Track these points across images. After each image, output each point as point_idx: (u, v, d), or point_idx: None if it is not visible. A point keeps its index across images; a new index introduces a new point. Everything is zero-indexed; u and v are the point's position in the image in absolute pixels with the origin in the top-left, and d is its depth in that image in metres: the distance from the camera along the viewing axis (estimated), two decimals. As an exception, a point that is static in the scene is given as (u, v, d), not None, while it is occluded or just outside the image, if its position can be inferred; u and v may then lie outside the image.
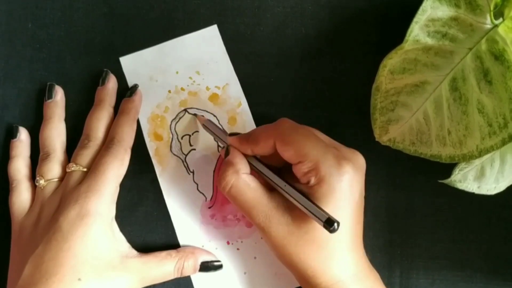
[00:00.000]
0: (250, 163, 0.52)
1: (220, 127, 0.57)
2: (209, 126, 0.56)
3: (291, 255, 0.49)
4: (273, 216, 0.49)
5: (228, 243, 0.57)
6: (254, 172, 0.52)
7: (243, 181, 0.50)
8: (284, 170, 0.52)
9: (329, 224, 0.44)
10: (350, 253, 0.49)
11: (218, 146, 0.58)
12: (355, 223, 0.49)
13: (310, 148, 0.48)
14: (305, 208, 0.46)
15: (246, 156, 0.52)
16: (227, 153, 0.52)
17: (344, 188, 0.48)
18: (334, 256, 0.48)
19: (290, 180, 0.50)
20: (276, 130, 0.50)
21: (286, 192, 0.49)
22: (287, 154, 0.49)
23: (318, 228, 0.47)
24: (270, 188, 0.51)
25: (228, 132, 0.55)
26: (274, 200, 0.50)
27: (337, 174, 0.47)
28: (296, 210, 0.48)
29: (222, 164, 0.52)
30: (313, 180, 0.48)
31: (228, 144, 0.53)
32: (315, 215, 0.45)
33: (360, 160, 0.50)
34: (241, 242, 0.57)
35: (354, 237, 0.49)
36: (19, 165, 0.56)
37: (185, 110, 0.58)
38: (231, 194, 0.50)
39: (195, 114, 0.58)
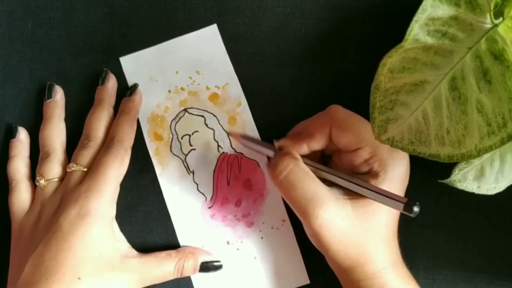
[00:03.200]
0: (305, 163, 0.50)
1: (260, 140, 0.56)
2: (248, 138, 0.55)
3: (348, 247, 0.48)
4: (334, 209, 0.47)
5: (228, 243, 0.57)
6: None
7: (302, 168, 0.49)
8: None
9: (410, 206, 0.43)
10: (393, 240, 0.50)
11: (218, 146, 0.58)
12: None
13: (369, 133, 0.48)
14: (382, 195, 0.46)
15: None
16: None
17: (404, 173, 0.48)
18: (384, 243, 0.49)
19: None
20: (330, 117, 0.50)
21: (353, 183, 0.47)
22: (345, 140, 0.49)
23: (376, 215, 0.48)
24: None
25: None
26: (333, 191, 0.49)
27: (398, 158, 0.48)
28: (356, 200, 0.48)
29: (275, 158, 0.51)
30: (376, 166, 0.48)
31: (276, 151, 0.52)
32: (395, 200, 0.45)
33: None
34: (241, 242, 0.57)
35: (396, 224, 0.50)
36: (18, 165, 0.56)
37: (185, 110, 0.58)
38: (288, 180, 0.49)
39: (229, 133, 0.57)
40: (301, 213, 0.49)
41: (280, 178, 0.49)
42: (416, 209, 0.44)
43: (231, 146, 0.58)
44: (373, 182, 0.48)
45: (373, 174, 0.48)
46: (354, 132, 0.48)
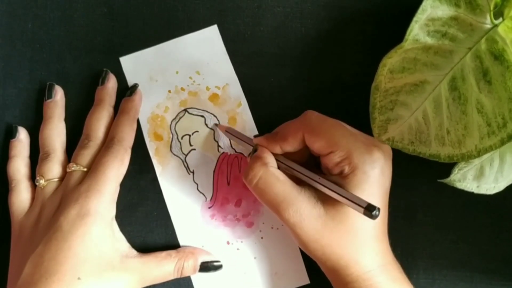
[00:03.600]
0: (278, 160, 0.52)
1: (242, 132, 0.57)
2: (232, 132, 0.56)
3: (324, 247, 0.49)
4: (304, 209, 0.49)
5: (228, 243, 0.57)
6: (283, 169, 0.51)
7: (271, 173, 0.50)
8: (308, 166, 0.52)
9: (370, 210, 0.44)
10: (380, 242, 0.49)
11: (218, 146, 0.58)
12: (383, 211, 0.49)
13: (340, 137, 0.48)
14: (343, 197, 0.46)
15: (273, 154, 0.52)
16: (253, 153, 0.53)
17: (378, 175, 0.48)
18: (366, 245, 0.49)
19: (317, 174, 0.50)
20: (304, 122, 0.51)
21: (321, 184, 0.48)
22: (317, 145, 0.49)
23: (352, 218, 0.48)
24: (297, 183, 0.50)
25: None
26: (304, 193, 0.49)
27: (370, 161, 0.48)
28: (329, 202, 0.48)
29: (249, 160, 0.52)
30: (347, 169, 0.48)
31: (254, 146, 0.53)
32: (355, 203, 0.45)
33: (387, 147, 0.50)
34: (241, 242, 0.57)
35: (382, 225, 0.50)
36: (18, 165, 0.56)
37: (185, 110, 0.58)
38: (258, 187, 0.50)
39: (216, 124, 0.58)
40: (276, 215, 0.50)
41: (252, 185, 0.50)
42: (375, 212, 0.44)
43: (231, 146, 0.58)
44: (343, 183, 0.48)
45: (343, 176, 0.49)
46: (326, 138, 0.49)
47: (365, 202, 0.45)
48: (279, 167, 0.51)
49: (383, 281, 0.48)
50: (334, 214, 0.48)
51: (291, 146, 0.51)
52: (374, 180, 0.48)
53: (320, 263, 0.51)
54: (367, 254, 0.49)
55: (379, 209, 0.45)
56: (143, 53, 0.58)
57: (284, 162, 0.51)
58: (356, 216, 0.47)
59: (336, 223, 0.48)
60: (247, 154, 0.56)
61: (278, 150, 0.52)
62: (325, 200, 0.49)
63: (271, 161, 0.51)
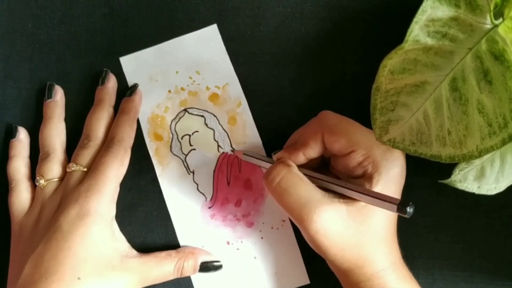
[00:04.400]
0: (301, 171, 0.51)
1: (260, 154, 0.57)
2: (249, 154, 0.55)
3: (345, 250, 0.48)
4: (328, 213, 0.47)
5: (228, 243, 0.57)
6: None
7: (295, 174, 0.49)
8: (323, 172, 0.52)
9: (403, 207, 0.43)
10: (392, 241, 0.50)
11: (218, 146, 0.58)
12: None
13: (361, 135, 0.48)
14: (374, 197, 0.46)
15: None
16: None
17: (399, 173, 0.48)
18: (382, 244, 0.49)
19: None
20: (321, 123, 0.50)
21: (349, 189, 0.47)
22: (338, 144, 0.49)
23: (371, 217, 0.48)
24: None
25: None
26: (327, 195, 0.48)
27: (392, 159, 0.48)
28: (350, 203, 0.48)
29: (268, 168, 0.51)
30: (370, 168, 0.48)
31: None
32: (387, 201, 0.45)
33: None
34: (241, 242, 0.57)
35: (395, 224, 0.50)
36: (18, 165, 0.56)
37: (185, 110, 0.58)
38: (280, 186, 0.49)
39: (232, 151, 0.57)
40: (296, 219, 0.49)
41: (274, 185, 0.49)
42: (409, 209, 0.43)
43: (231, 146, 0.58)
44: (368, 184, 0.48)
45: (367, 176, 0.48)
46: (346, 136, 0.49)
47: (397, 199, 0.44)
48: None
49: (393, 280, 0.48)
50: (357, 216, 0.48)
51: (313, 150, 0.51)
52: (395, 179, 0.48)
53: (335, 266, 0.50)
54: (382, 253, 0.49)
55: (412, 204, 0.44)
56: (143, 53, 0.58)
57: (307, 173, 0.50)
58: (375, 216, 0.47)
59: (358, 225, 0.48)
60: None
61: (302, 158, 0.51)
62: (347, 203, 0.48)
63: (294, 166, 0.50)
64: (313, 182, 0.50)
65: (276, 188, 0.49)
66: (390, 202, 0.45)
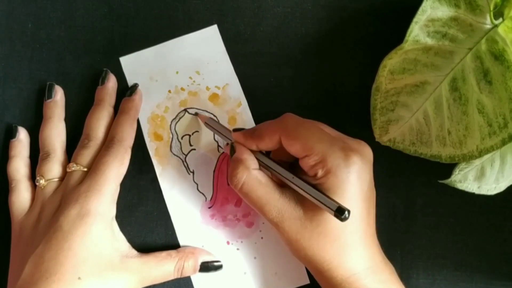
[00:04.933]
0: (257, 159, 0.52)
1: (222, 124, 0.57)
2: (211, 123, 0.56)
3: (306, 249, 0.49)
4: (285, 210, 0.49)
5: (228, 243, 0.57)
6: (262, 167, 0.52)
7: (254, 177, 0.50)
8: (294, 164, 0.52)
9: (340, 213, 0.44)
10: (364, 245, 0.49)
11: (218, 146, 0.58)
12: (366, 214, 0.49)
13: (316, 141, 0.48)
14: (314, 198, 0.47)
15: (253, 151, 0.52)
16: (232, 150, 0.53)
17: (352, 179, 0.48)
18: (347, 248, 0.49)
19: (300, 174, 0.50)
20: (281, 125, 0.51)
21: (294, 184, 0.49)
22: (293, 148, 0.49)
23: (330, 220, 0.48)
24: (280, 183, 0.51)
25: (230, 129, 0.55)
26: (285, 194, 0.50)
27: (344, 165, 0.48)
28: (308, 203, 0.49)
29: (230, 162, 0.52)
30: (320, 172, 0.48)
31: (232, 141, 0.53)
32: (325, 205, 0.46)
33: (367, 151, 0.50)
34: (241, 242, 0.57)
35: (366, 228, 0.49)
36: (18, 165, 0.56)
37: (185, 110, 0.58)
38: (243, 191, 0.50)
39: (196, 113, 0.58)
40: (262, 216, 0.51)
41: (237, 189, 0.51)
42: (345, 215, 0.44)
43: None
44: (318, 186, 0.48)
45: (317, 179, 0.48)
46: (301, 142, 0.49)
47: (335, 204, 0.45)
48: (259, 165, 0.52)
49: (369, 284, 0.48)
50: (312, 216, 0.48)
51: (266, 146, 0.51)
52: (348, 184, 0.48)
53: (304, 264, 0.52)
54: (350, 258, 0.49)
55: (349, 211, 0.45)
56: (143, 53, 0.58)
57: (262, 160, 0.52)
58: (335, 220, 0.47)
59: (315, 226, 0.48)
60: (225, 144, 0.57)
61: (254, 147, 0.52)
62: (304, 202, 0.49)
63: (252, 163, 0.51)
64: (268, 171, 0.52)
65: (240, 192, 0.51)
66: (327, 206, 0.46)
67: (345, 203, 0.46)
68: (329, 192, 0.47)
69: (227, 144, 0.54)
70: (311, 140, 0.49)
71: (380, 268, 0.49)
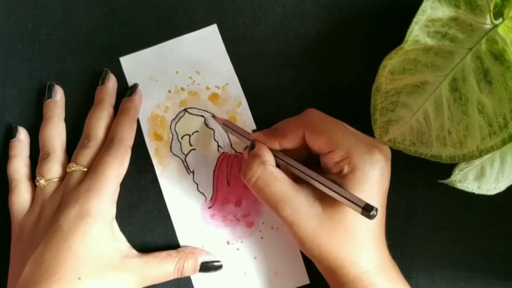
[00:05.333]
0: (276, 157, 0.52)
1: (239, 126, 0.57)
2: (229, 125, 0.56)
3: (321, 246, 0.49)
4: (302, 208, 0.49)
5: (228, 243, 0.57)
6: (282, 166, 0.51)
7: (270, 172, 0.50)
8: (308, 164, 0.52)
9: (368, 210, 0.44)
10: (376, 243, 0.49)
11: (218, 146, 0.58)
12: (382, 212, 0.49)
13: (341, 137, 0.48)
14: (342, 196, 0.46)
15: (273, 151, 0.52)
16: (252, 148, 0.52)
17: (377, 176, 0.48)
18: (363, 245, 0.49)
19: (318, 172, 0.50)
20: (305, 120, 0.51)
21: (319, 182, 0.48)
22: (318, 143, 0.49)
23: (349, 217, 0.48)
24: (296, 180, 0.51)
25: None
26: (302, 191, 0.49)
27: (370, 162, 0.48)
28: (327, 201, 0.48)
29: (247, 158, 0.52)
30: (346, 169, 0.48)
31: (252, 141, 0.53)
32: (353, 202, 0.45)
33: (387, 149, 0.50)
34: (241, 242, 0.57)
35: (380, 226, 0.50)
36: (18, 165, 0.56)
37: (185, 110, 0.58)
38: (257, 186, 0.50)
39: (213, 116, 0.58)
40: (275, 213, 0.50)
41: (250, 184, 0.50)
42: (373, 213, 0.44)
43: (231, 146, 0.58)
44: (342, 183, 0.48)
45: (342, 175, 0.48)
46: (326, 137, 0.49)
47: (363, 201, 0.45)
48: (277, 164, 0.52)
49: (378, 282, 0.48)
50: (332, 213, 0.48)
51: (290, 143, 0.51)
52: (373, 181, 0.48)
53: (316, 262, 0.51)
54: (364, 255, 0.49)
55: (377, 209, 0.45)
56: (143, 53, 0.58)
57: (282, 158, 0.51)
58: (354, 217, 0.47)
59: (334, 223, 0.48)
60: (244, 148, 0.56)
61: (276, 146, 0.52)
62: (323, 199, 0.49)
63: (270, 159, 0.51)
64: (289, 170, 0.51)
65: (253, 187, 0.50)
66: (355, 203, 0.45)
67: (367, 200, 0.46)
68: (352, 188, 0.47)
69: (246, 147, 0.54)
70: (337, 135, 0.48)
71: (389, 266, 0.50)
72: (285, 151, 0.52)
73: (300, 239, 0.49)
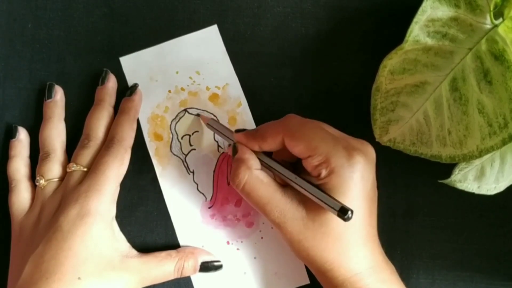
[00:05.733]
0: (259, 159, 0.52)
1: (224, 125, 0.57)
2: (213, 124, 0.56)
3: (308, 249, 0.49)
4: (287, 211, 0.49)
5: (228, 243, 0.57)
6: (264, 167, 0.52)
7: (256, 177, 0.50)
8: (297, 164, 0.52)
9: (343, 213, 0.44)
10: (366, 245, 0.49)
11: (218, 146, 0.58)
12: (368, 214, 0.49)
13: (319, 142, 0.48)
14: (318, 198, 0.47)
15: (255, 152, 0.52)
16: (234, 150, 0.53)
17: (356, 178, 0.48)
18: (350, 248, 0.49)
19: (303, 174, 0.50)
20: (284, 126, 0.51)
21: (297, 184, 0.49)
22: (297, 149, 0.49)
23: (333, 220, 0.48)
24: (282, 183, 0.51)
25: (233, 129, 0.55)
26: (287, 195, 0.50)
27: (348, 165, 0.47)
28: (310, 204, 0.49)
29: (232, 162, 0.52)
30: (324, 172, 0.48)
31: (234, 141, 0.53)
32: (328, 205, 0.46)
33: (370, 151, 0.50)
34: (241, 242, 0.57)
35: (368, 228, 0.49)
36: (18, 165, 0.56)
37: (185, 110, 0.58)
38: (245, 191, 0.50)
39: (198, 114, 0.58)
40: (264, 216, 0.51)
41: (239, 189, 0.51)
42: (348, 215, 0.44)
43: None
44: (322, 187, 0.48)
45: (320, 179, 0.48)
46: (305, 142, 0.49)
47: (338, 204, 0.45)
48: (261, 165, 0.52)
49: (371, 283, 0.48)
50: (315, 216, 0.48)
51: (269, 146, 0.51)
52: (352, 184, 0.48)
53: (306, 265, 0.52)
54: (352, 258, 0.49)
55: (352, 211, 0.45)
56: (143, 53, 0.58)
57: (264, 160, 0.52)
58: (338, 220, 0.47)
59: (318, 226, 0.48)
60: (228, 145, 0.57)
61: (256, 148, 0.52)
62: (306, 202, 0.49)
63: (254, 163, 0.51)
64: (271, 171, 0.52)
65: (241, 192, 0.51)
66: (330, 206, 0.46)
67: (348, 203, 0.46)
68: (332, 192, 0.47)
69: (229, 145, 0.54)
70: (315, 140, 0.48)
71: (382, 268, 0.50)
72: (275, 151, 0.53)
73: (288, 241, 0.50)
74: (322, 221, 0.48)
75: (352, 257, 0.48)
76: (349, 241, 0.48)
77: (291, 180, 0.49)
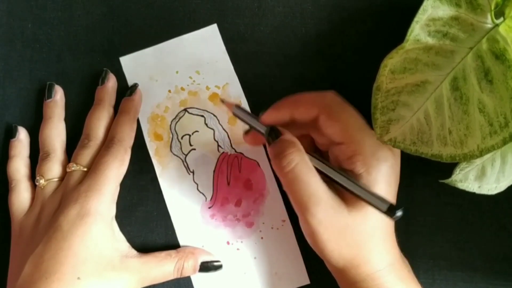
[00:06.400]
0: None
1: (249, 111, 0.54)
2: (238, 112, 0.52)
3: (343, 247, 0.48)
4: (330, 208, 0.47)
5: (228, 243, 0.57)
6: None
7: (307, 162, 0.47)
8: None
9: (391, 211, 0.44)
10: (390, 242, 0.49)
11: (218, 146, 0.58)
12: None
13: (356, 130, 0.48)
14: (367, 195, 0.46)
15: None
16: (273, 133, 0.49)
17: (391, 174, 0.48)
18: (379, 244, 0.49)
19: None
20: (323, 101, 0.49)
21: (349, 180, 0.47)
22: (331, 130, 0.48)
23: (370, 218, 0.48)
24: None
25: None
26: (329, 191, 0.48)
27: (383, 159, 0.47)
28: (350, 201, 0.48)
29: (276, 144, 0.48)
30: (359, 166, 0.47)
31: (269, 126, 0.50)
32: (376, 203, 0.45)
33: (395, 150, 0.50)
34: (241, 242, 0.57)
35: (392, 224, 0.50)
36: (18, 165, 0.56)
37: (185, 110, 0.58)
38: (294, 173, 0.47)
39: (222, 100, 0.55)
40: (299, 207, 0.48)
41: (286, 170, 0.47)
42: (398, 213, 0.44)
43: (231, 146, 0.58)
44: (357, 180, 0.48)
45: (356, 174, 0.48)
46: (341, 126, 0.48)
47: (388, 202, 0.45)
48: None
49: (391, 281, 0.48)
50: (356, 215, 0.48)
51: (300, 115, 0.49)
52: (388, 180, 0.48)
53: (331, 264, 0.50)
54: (379, 254, 0.49)
55: (402, 209, 0.44)
56: (143, 53, 0.58)
57: (311, 154, 0.49)
58: (374, 216, 0.47)
59: (357, 224, 0.48)
60: (244, 132, 0.54)
61: (287, 116, 0.49)
62: (347, 200, 0.48)
63: (305, 152, 0.48)
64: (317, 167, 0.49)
65: (288, 174, 0.47)
66: (380, 203, 0.45)
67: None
68: (370, 187, 0.47)
69: (247, 131, 0.52)
70: (352, 127, 0.48)
71: (400, 265, 0.50)
72: (300, 136, 0.50)
73: (323, 241, 0.48)
74: (362, 219, 0.48)
75: (378, 254, 0.48)
76: (379, 237, 0.49)
77: (342, 175, 0.47)
